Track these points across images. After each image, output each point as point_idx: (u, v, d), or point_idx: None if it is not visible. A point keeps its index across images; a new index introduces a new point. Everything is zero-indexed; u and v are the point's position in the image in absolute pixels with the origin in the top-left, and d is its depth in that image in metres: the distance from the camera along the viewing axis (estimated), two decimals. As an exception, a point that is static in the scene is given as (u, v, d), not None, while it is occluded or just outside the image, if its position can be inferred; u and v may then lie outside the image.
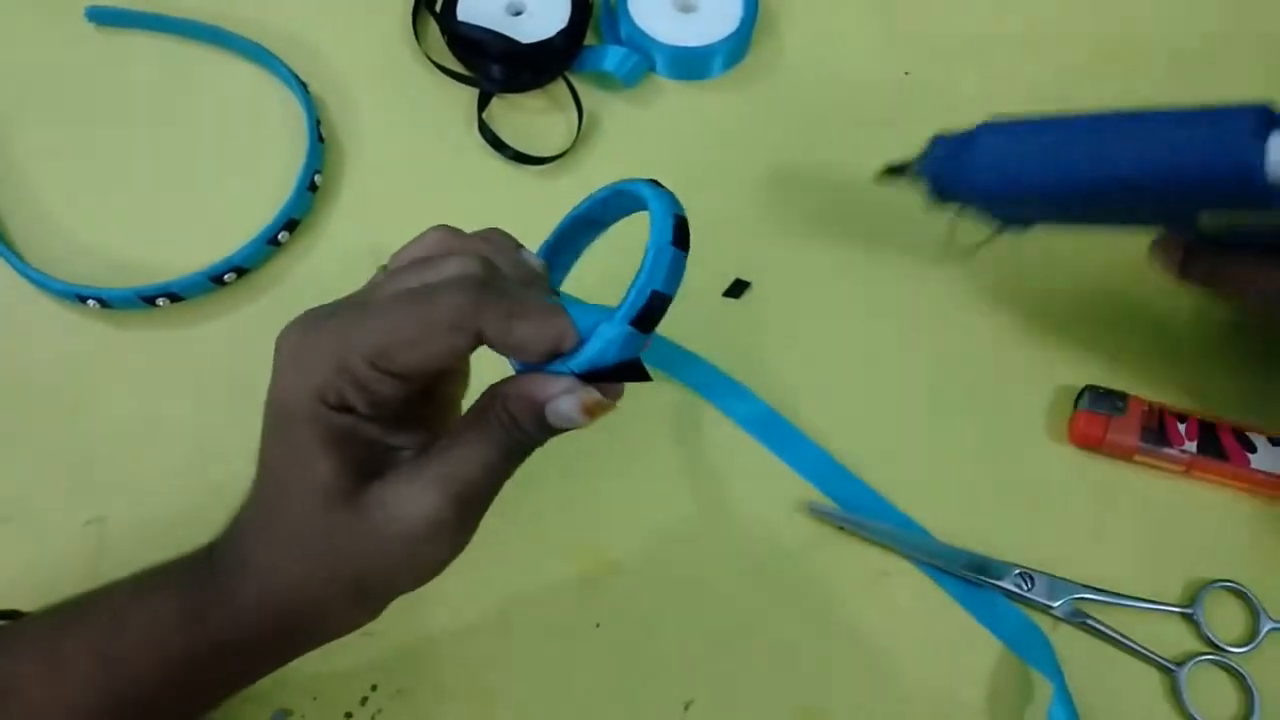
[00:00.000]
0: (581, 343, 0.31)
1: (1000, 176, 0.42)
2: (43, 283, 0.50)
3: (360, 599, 0.32)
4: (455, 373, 0.36)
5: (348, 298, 0.33)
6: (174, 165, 0.55)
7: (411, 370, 0.30)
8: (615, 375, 0.31)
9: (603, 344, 0.30)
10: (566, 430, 0.32)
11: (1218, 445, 0.46)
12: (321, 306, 0.32)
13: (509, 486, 0.46)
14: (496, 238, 0.35)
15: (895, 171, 0.48)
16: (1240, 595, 0.44)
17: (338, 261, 0.52)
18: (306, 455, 0.30)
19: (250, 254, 0.50)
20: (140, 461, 0.46)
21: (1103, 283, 0.51)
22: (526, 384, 0.31)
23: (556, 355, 0.31)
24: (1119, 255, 0.52)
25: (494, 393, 0.32)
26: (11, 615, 0.36)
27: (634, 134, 0.56)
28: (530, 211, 0.53)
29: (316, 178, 0.53)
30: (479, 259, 0.32)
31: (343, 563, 0.31)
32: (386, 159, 0.55)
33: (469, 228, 0.52)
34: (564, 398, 0.31)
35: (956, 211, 0.46)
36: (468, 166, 0.55)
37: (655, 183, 0.34)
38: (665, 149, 0.56)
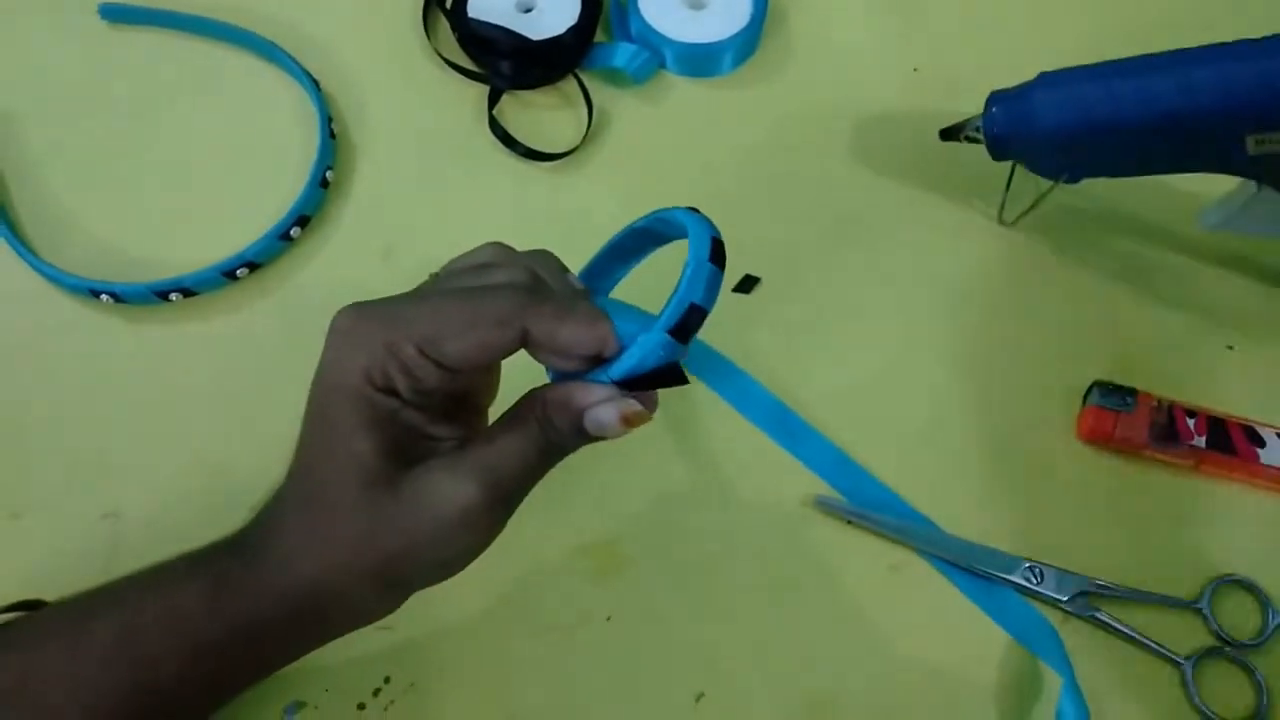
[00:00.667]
0: (621, 350, 0.32)
1: (1059, 120, 0.45)
2: (56, 277, 0.50)
3: (385, 585, 0.33)
4: (487, 382, 0.37)
5: (400, 294, 0.34)
6: (187, 161, 0.55)
7: (457, 359, 0.31)
8: (653, 382, 0.32)
9: (642, 353, 0.31)
10: (602, 440, 0.33)
11: (1227, 440, 0.46)
12: (375, 299, 0.33)
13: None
14: (544, 258, 0.36)
15: (950, 134, 0.50)
16: (1250, 589, 0.44)
17: (349, 257, 0.52)
18: (349, 433, 0.31)
19: (262, 249, 0.50)
20: (154, 455, 0.47)
21: (1112, 279, 0.52)
22: (566, 390, 0.32)
23: (597, 361, 0.32)
24: (1129, 251, 0.53)
25: (533, 396, 0.33)
26: (34, 605, 0.36)
27: (644, 130, 0.56)
28: (541, 207, 0.54)
29: (328, 174, 0.53)
30: (527, 270, 0.33)
31: (373, 544, 0.31)
32: (398, 155, 0.55)
33: (480, 224, 0.53)
34: (603, 406, 0.32)
35: (1012, 167, 0.50)
36: (478, 163, 0.55)
37: (694, 209, 0.35)
38: (675, 145, 0.56)
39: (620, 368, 0.32)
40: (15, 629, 0.34)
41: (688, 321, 0.31)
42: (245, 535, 0.34)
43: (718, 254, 0.32)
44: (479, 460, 0.32)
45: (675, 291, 0.32)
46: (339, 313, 0.32)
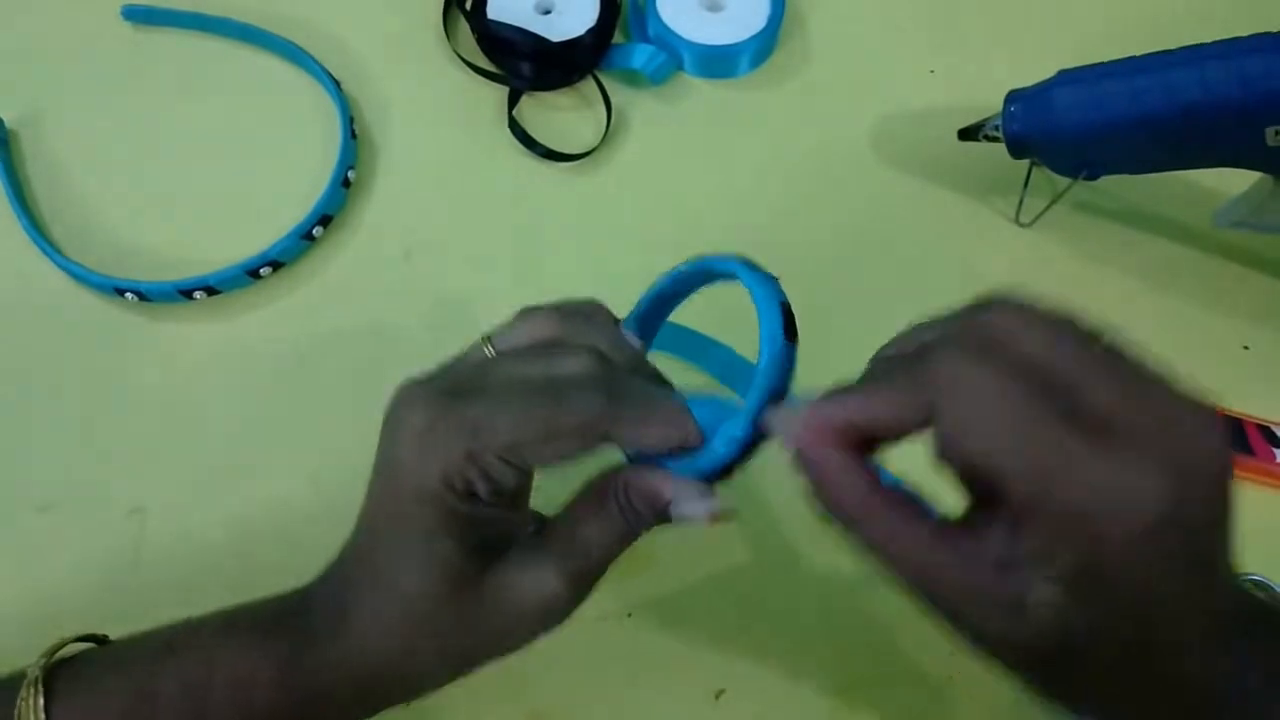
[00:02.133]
0: (704, 441, 0.31)
1: (1079, 118, 0.46)
2: (81, 276, 0.51)
3: (461, 669, 0.33)
4: None
5: (458, 371, 0.33)
6: (210, 161, 0.55)
7: (540, 463, 0.30)
8: (736, 466, 0.32)
9: (728, 448, 0.31)
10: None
11: (1243, 440, 0.46)
12: (436, 379, 0.32)
13: (547, 480, 0.46)
14: (597, 316, 0.35)
15: (969, 133, 0.51)
16: (1266, 590, 0.44)
17: (371, 255, 0.53)
18: (430, 535, 0.30)
19: (285, 248, 0.51)
20: (179, 453, 0.47)
21: (1128, 278, 0.52)
22: (653, 481, 0.32)
23: (680, 453, 0.32)
24: (1145, 250, 0.53)
25: (613, 478, 0.32)
26: (99, 640, 0.36)
27: (662, 131, 0.57)
28: (560, 208, 0.54)
29: (350, 174, 0.54)
30: (593, 354, 0.32)
31: (455, 641, 0.31)
32: (418, 156, 0.56)
33: (500, 224, 0.54)
34: (688, 504, 0.31)
35: (1031, 164, 0.50)
36: (498, 163, 0.55)
37: (750, 263, 0.34)
38: (693, 146, 0.56)
39: (709, 461, 0.31)
40: (78, 669, 0.34)
41: (772, 401, 0.31)
42: (314, 609, 0.33)
43: (790, 326, 0.32)
44: (561, 552, 0.32)
45: (755, 378, 0.31)
46: (406, 402, 0.31)
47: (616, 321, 0.36)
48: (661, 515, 0.32)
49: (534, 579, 0.31)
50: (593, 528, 0.32)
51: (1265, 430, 0.46)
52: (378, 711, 0.34)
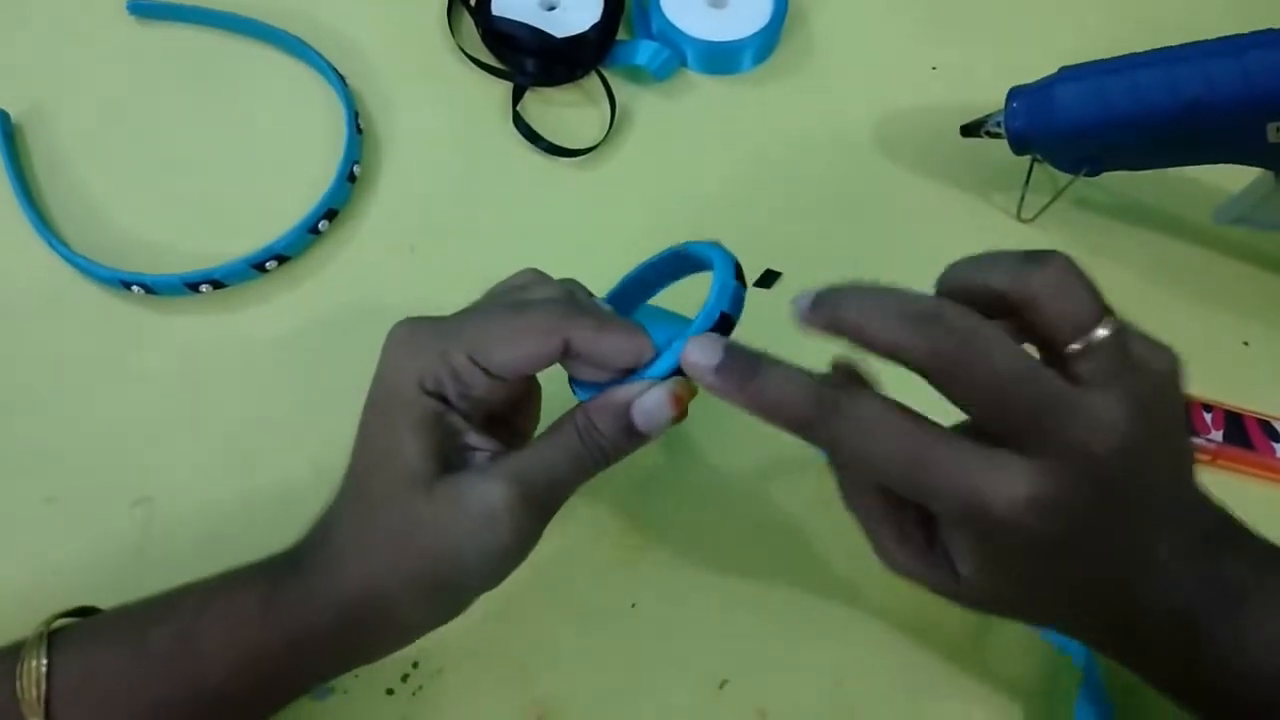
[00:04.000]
0: (657, 356, 0.34)
1: (1081, 114, 0.46)
2: (88, 269, 0.51)
3: (426, 590, 0.33)
4: (527, 406, 0.39)
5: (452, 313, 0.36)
6: (216, 155, 0.56)
7: (504, 366, 0.33)
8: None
9: (676, 357, 0.33)
10: (647, 438, 0.34)
11: (1244, 435, 0.46)
12: (428, 316, 0.35)
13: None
14: (575, 284, 0.38)
15: (971, 129, 0.51)
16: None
17: (376, 250, 0.53)
18: (399, 435, 0.33)
19: (291, 242, 0.51)
20: (185, 444, 0.47)
21: (1129, 274, 0.52)
22: (608, 394, 0.34)
23: (632, 371, 0.34)
24: (1146, 247, 0.53)
25: (574, 410, 0.34)
26: (90, 612, 0.37)
27: (665, 127, 0.57)
28: (564, 203, 0.55)
29: (355, 168, 0.54)
30: (564, 289, 0.36)
31: (412, 543, 0.32)
32: (423, 151, 0.56)
33: (504, 219, 0.54)
34: (650, 393, 0.33)
35: (1033, 160, 0.50)
36: (502, 158, 0.56)
37: (717, 243, 0.37)
38: (696, 142, 0.57)
39: (656, 369, 0.34)
40: (77, 631, 0.35)
41: (721, 327, 0.33)
42: (300, 545, 0.35)
43: (740, 276, 0.35)
44: (511, 464, 0.33)
45: (706, 304, 0.34)
46: (396, 325, 0.35)
47: (592, 295, 0.38)
48: (627, 429, 0.34)
49: (483, 488, 0.32)
50: (548, 450, 0.34)
51: (1265, 425, 0.46)
52: (370, 653, 0.35)
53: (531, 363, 0.33)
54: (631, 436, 0.34)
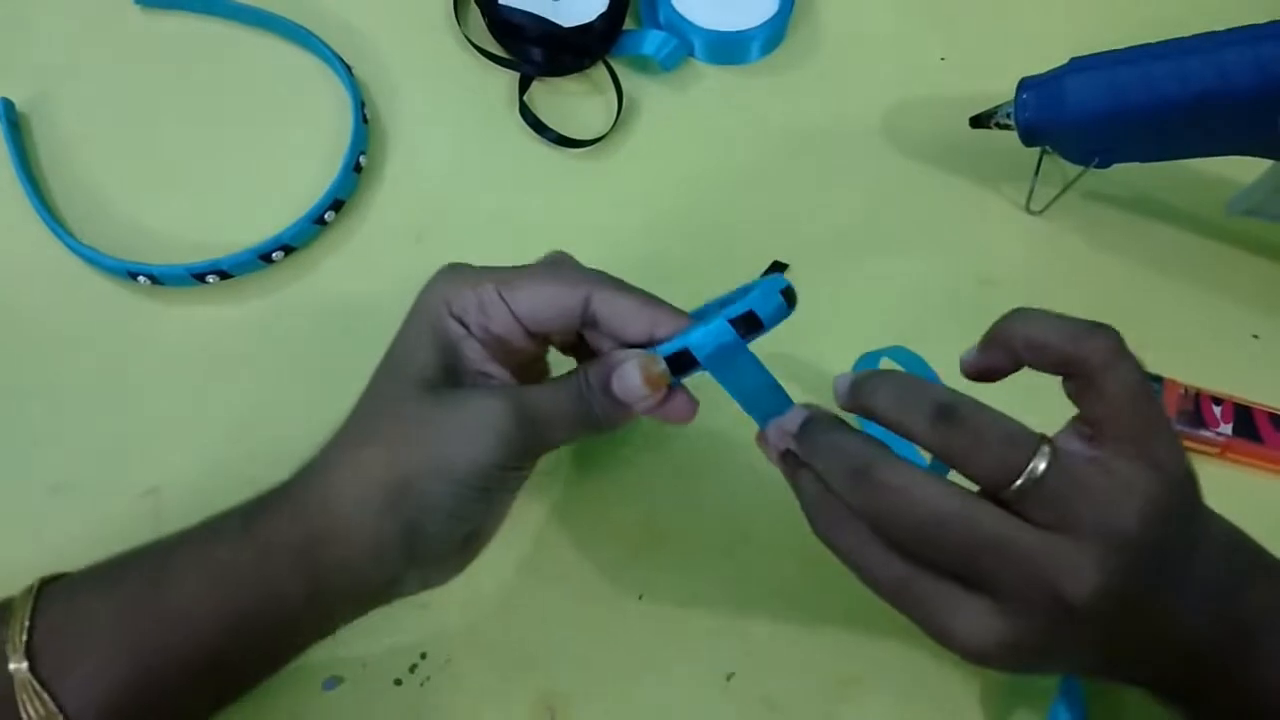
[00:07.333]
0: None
1: (1092, 105, 0.46)
2: (94, 259, 0.51)
3: (398, 501, 0.33)
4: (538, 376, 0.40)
5: None
6: (222, 145, 0.55)
7: (527, 307, 0.35)
8: (688, 365, 0.35)
9: (694, 336, 0.34)
10: (628, 408, 0.35)
11: (1253, 428, 0.46)
12: None
13: (556, 460, 0.47)
14: None
15: (980, 121, 0.51)
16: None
17: (382, 240, 0.53)
18: (418, 344, 0.35)
19: (297, 233, 0.51)
20: (193, 434, 0.47)
21: (1139, 266, 0.52)
22: (608, 356, 0.35)
23: (650, 343, 0.35)
24: (1156, 238, 0.53)
25: (579, 366, 0.36)
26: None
27: (673, 118, 0.57)
28: (571, 193, 0.55)
29: (361, 159, 0.54)
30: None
31: (402, 446, 0.33)
32: (429, 141, 0.56)
33: (511, 209, 0.54)
34: (627, 365, 0.34)
35: (1043, 152, 0.50)
36: (509, 149, 0.55)
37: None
38: (704, 133, 0.57)
39: (670, 345, 0.34)
40: (65, 579, 0.35)
41: (747, 321, 0.34)
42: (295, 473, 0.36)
43: (790, 295, 0.36)
44: (515, 389, 0.36)
45: (742, 300, 0.34)
46: (446, 265, 0.38)
47: None
48: (605, 387, 0.35)
49: (484, 400, 0.34)
50: (552, 389, 0.36)
51: (1274, 418, 0.46)
52: (338, 593, 0.35)
53: (552, 309, 0.35)
54: (613, 401, 0.35)
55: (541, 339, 0.37)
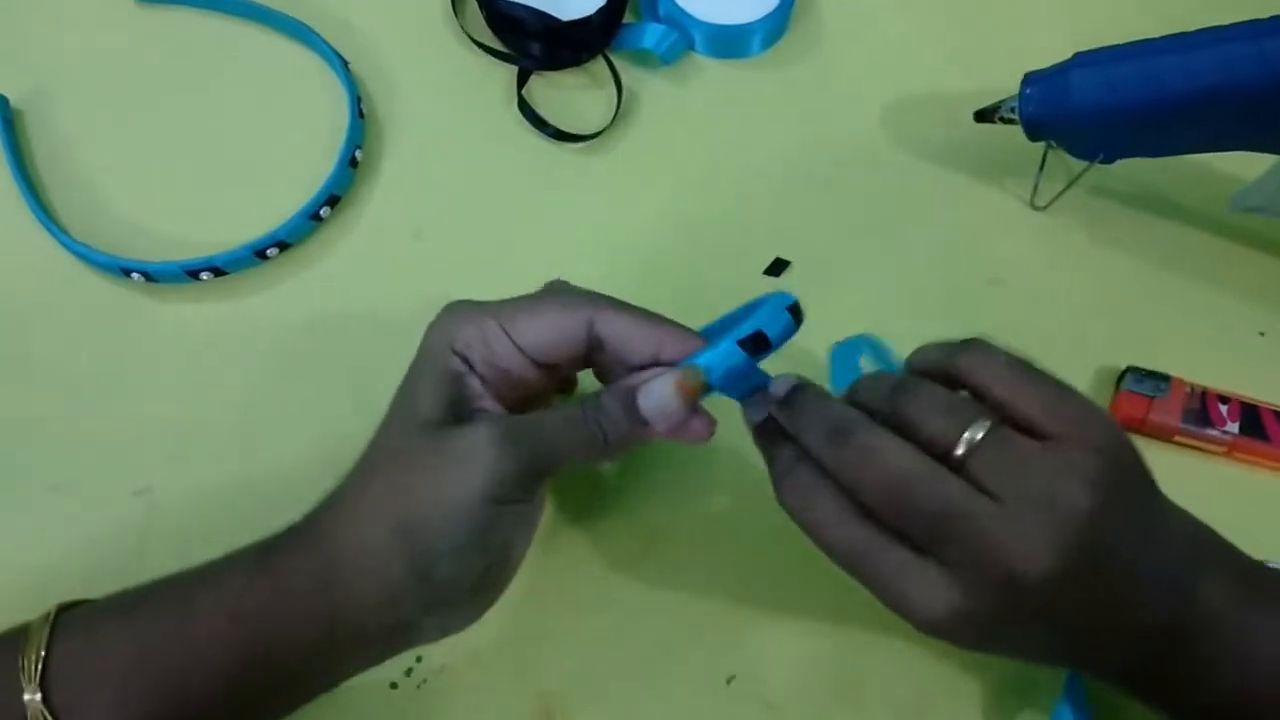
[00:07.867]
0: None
1: (1097, 100, 0.45)
2: (87, 256, 0.50)
3: (406, 544, 0.33)
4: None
5: None
6: (217, 141, 0.55)
7: (530, 338, 0.36)
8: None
9: (703, 355, 0.35)
10: (650, 427, 0.36)
11: (1260, 427, 0.46)
12: None
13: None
14: None
15: (985, 115, 0.50)
16: (1282, 576, 0.44)
17: (379, 236, 0.52)
18: (420, 385, 0.35)
19: (293, 229, 0.51)
20: (186, 433, 0.47)
21: (1145, 263, 0.51)
22: (625, 381, 0.36)
23: (655, 363, 0.36)
24: (1161, 235, 0.52)
25: (586, 396, 0.36)
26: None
27: (673, 112, 0.56)
28: (570, 188, 0.54)
29: (357, 154, 0.53)
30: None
31: (404, 492, 0.33)
32: (426, 136, 0.55)
33: (509, 204, 0.54)
34: (658, 379, 0.35)
35: (1047, 147, 0.50)
36: (507, 143, 0.55)
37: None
38: (704, 127, 0.56)
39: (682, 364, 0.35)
40: (81, 609, 0.35)
41: (756, 340, 0.35)
42: (311, 510, 0.36)
43: (796, 311, 0.36)
44: (504, 417, 0.35)
45: (750, 319, 0.35)
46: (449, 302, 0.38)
47: None
48: (630, 408, 0.35)
49: (471, 429, 0.34)
50: (545, 415, 0.36)
51: (1281, 416, 0.46)
52: (353, 634, 0.34)
53: (555, 335, 0.36)
54: (634, 420, 0.35)
55: (549, 369, 0.37)
